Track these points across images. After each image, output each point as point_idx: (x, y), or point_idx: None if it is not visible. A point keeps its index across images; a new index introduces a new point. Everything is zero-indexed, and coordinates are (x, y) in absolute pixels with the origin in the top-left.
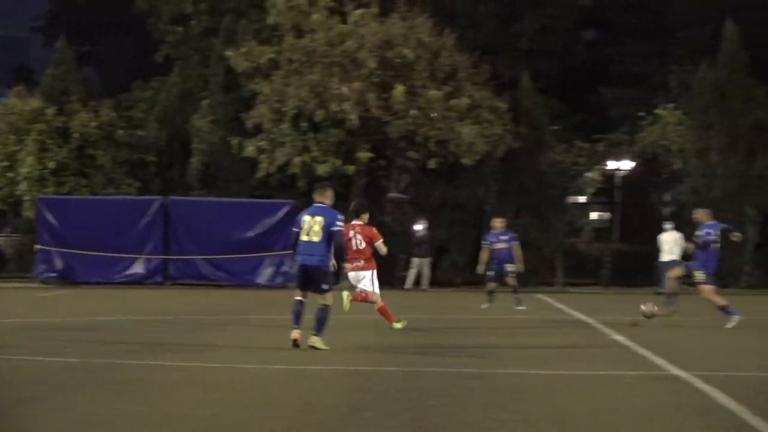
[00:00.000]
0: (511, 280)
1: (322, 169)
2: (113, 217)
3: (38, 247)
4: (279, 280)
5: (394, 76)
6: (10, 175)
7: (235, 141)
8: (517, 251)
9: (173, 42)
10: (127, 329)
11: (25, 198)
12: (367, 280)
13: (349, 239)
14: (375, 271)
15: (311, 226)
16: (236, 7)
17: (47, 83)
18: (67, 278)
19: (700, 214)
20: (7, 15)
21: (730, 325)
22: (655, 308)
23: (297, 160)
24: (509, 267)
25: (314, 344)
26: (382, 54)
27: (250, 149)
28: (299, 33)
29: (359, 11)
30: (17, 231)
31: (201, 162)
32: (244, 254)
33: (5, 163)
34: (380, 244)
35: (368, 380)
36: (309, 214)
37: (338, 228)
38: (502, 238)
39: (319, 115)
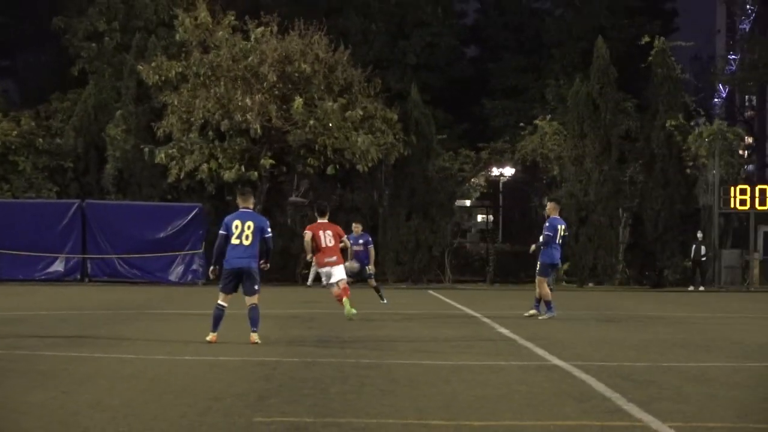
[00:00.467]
0: (372, 282)
1: (227, 175)
2: (34, 219)
3: None
4: (189, 277)
5: (294, 89)
6: None
7: (146, 148)
8: (371, 253)
9: (88, 57)
10: (48, 323)
11: None
12: (341, 271)
13: (319, 237)
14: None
15: (243, 231)
16: (146, 25)
17: None
18: None
19: (549, 208)
20: None
21: (542, 317)
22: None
23: (204, 166)
24: (369, 270)
25: (257, 340)
26: (282, 68)
27: (160, 156)
28: (205, 49)
29: (260, 29)
30: None
31: (115, 168)
32: (156, 253)
33: None
34: (346, 239)
35: (272, 370)
36: (239, 219)
37: (270, 234)
38: (360, 241)
39: (224, 125)
